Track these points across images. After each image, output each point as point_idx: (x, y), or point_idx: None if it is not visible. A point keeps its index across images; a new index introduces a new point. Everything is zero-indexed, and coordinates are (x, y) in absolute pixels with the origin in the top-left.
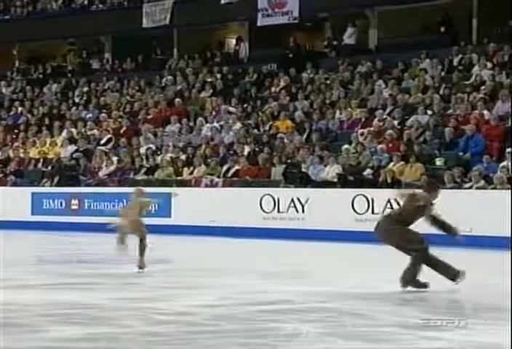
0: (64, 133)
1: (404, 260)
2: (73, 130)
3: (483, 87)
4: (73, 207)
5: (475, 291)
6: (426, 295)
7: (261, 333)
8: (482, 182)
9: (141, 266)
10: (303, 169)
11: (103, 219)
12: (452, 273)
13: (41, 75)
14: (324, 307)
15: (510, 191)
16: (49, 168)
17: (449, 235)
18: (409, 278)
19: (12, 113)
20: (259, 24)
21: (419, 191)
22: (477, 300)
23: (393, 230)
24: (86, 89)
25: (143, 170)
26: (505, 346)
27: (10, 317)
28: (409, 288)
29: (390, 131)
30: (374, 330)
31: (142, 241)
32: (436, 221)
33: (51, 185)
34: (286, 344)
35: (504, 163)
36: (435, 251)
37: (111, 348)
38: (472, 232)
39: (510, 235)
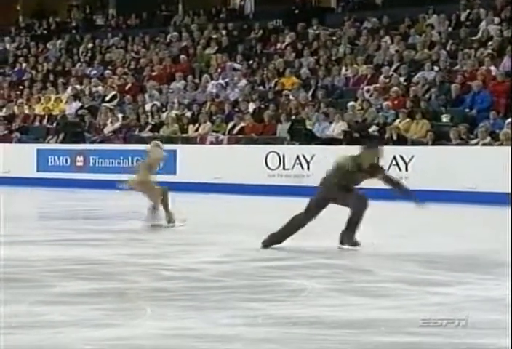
0: (69, 89)
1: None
2: (78, 87)
3: (490, 43)
4: (78, 164)
5: (478, 248)
6: (429, 251)
7: (266, 289)
8: (488, 139)
9: (170, 221)
10: (308, 126)
11: (109, 176)
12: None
13: (45, 31)
14: (329, 264)
15: (510, 147)
16: (54, 124)
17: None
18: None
19: (16, 69)
20: None
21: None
22: (480, 256)
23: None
24: (90, 45)
25: (148, 127)
26: (508, 301)
27: (13, 272)
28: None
29: (396, 88)
30: (379, 285)
31: (164, 196)
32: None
33: (56, 142)
34: (292, 299)
35: (510, 120)
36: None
37: (117, 303)
38: (477, 188)
39: (510, 192)
